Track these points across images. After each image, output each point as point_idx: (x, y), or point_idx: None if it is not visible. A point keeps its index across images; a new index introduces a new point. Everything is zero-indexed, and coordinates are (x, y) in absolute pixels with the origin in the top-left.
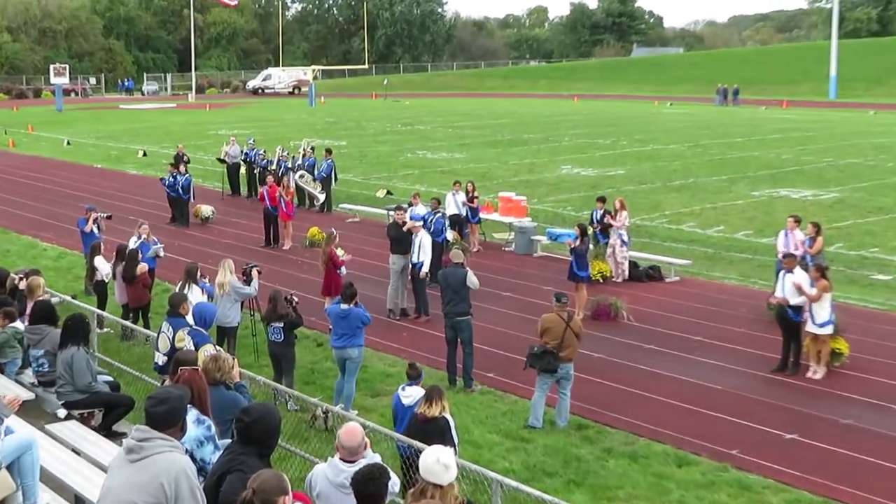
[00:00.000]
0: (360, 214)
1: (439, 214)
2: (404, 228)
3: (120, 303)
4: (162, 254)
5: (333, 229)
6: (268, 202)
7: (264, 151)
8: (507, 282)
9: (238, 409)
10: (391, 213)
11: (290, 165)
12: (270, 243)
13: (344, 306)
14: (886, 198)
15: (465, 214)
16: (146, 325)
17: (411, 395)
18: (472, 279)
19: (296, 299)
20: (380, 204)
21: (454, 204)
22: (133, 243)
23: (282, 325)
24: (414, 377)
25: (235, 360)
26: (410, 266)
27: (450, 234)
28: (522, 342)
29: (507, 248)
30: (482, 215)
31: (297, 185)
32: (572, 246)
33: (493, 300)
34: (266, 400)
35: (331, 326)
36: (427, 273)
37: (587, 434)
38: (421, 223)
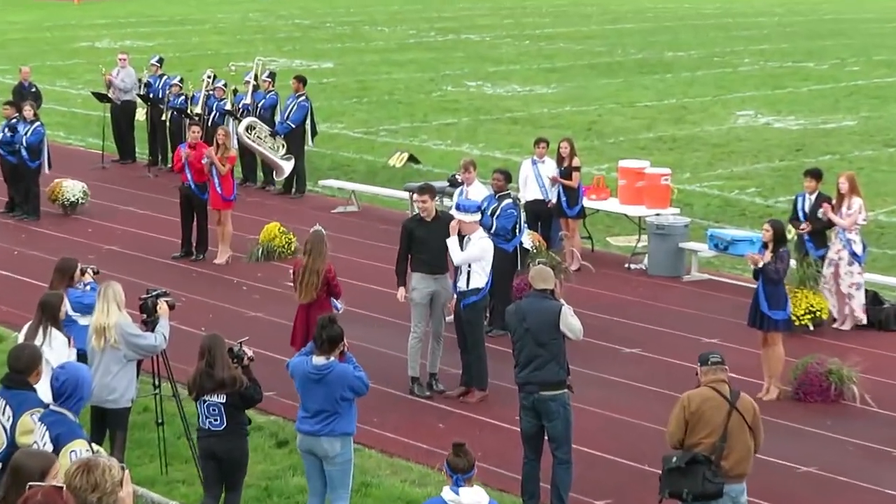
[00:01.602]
0: (360, 199)
1: (509, 201)
2: (451, 228)
3: None
4: None
5: (320, 226)
6: (189, 176)
7: (181, 81)
8: (633, 328)
9: None
10: (416, 198)
11: (229, 108)
12: (192, 253)
13: (319, 360)
14: None
15: (555, 200)
16: None
17: (471, 501)
18: (571, 321)
19: (249, 352)
20: (396, 180)
21: (536, 181)
22: None
23: (223, 399)
24: (464, 469)
25: (126, 470)
26: (454, 297)
27: (528, 238)
28: (660, 441)
29: (634, 266)
30: (587, 202)
31: (241, 143)
32: (758, 262)
33: (607, 361)
34: None
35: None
36: (485, 305)
37: None
38: (476, 217)
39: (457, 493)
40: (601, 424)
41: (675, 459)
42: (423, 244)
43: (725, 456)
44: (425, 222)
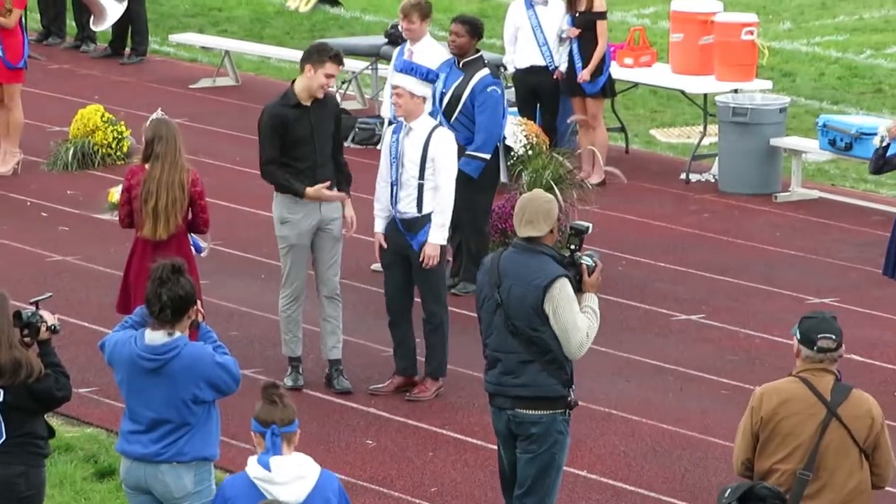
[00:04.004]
0: (239, 66)
1: (485, 72)
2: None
3: None
4: None
5: (163, 111)
6: None
7: None
8: (693, 280)
9: None
10: (321, 70)
11: None
12: None
13: (156, 336)
14: None
15: (564, 68)
16: None
17: (290, 478)
18: (566, 314)
19: (51, 319)
20: (300, 35)
21: (532, 35)
22: None
23: (0, 396)
24: (282, 421)
25: None
26: (381, 232)
27: (516, 130)
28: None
29: (696, 177)
30: (619, 71)
31: None
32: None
33: (651, 336)
34: None
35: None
36: (445, 244)
37: None
38: (427, 90)
39: (266, 467)
40: (636, 439)
41: (727, 493)
42: (303, 144)
43: (813, 494)
44: (304, 108)
